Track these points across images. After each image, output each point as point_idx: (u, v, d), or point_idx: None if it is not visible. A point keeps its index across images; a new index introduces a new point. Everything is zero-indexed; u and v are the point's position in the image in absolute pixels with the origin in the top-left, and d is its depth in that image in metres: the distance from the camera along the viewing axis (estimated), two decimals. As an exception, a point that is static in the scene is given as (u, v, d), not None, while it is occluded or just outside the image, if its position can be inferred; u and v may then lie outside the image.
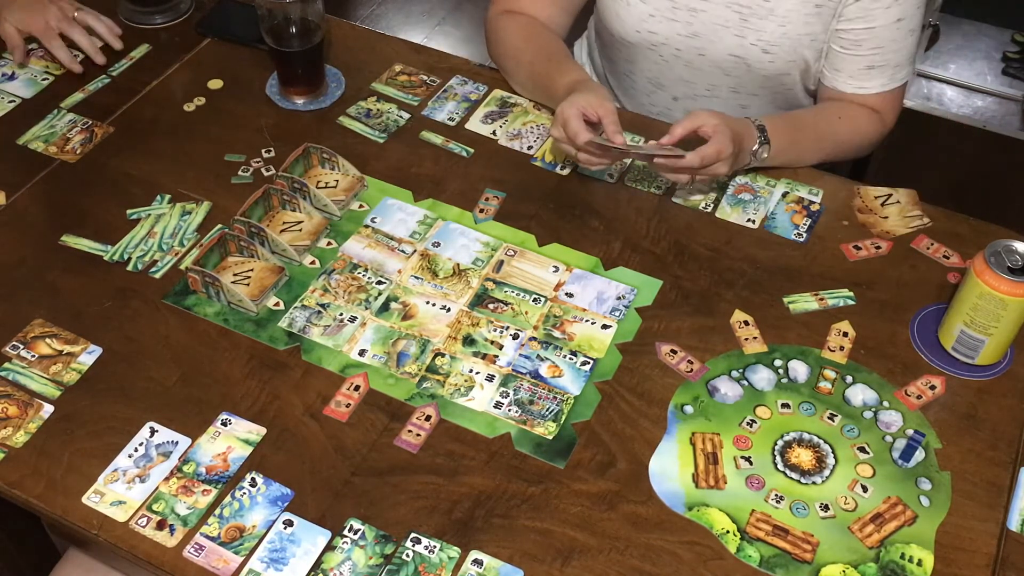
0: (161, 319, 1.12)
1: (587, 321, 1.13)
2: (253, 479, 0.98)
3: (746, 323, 1.13)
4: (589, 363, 1.08)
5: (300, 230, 1.20)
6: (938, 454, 1.01)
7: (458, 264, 1.18)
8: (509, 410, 1.04)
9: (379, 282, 1.16)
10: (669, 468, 1.00)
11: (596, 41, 1.53)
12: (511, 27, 1.38)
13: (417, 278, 1.16)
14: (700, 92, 1.40)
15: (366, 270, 1.17)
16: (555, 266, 1.18)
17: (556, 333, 1.11)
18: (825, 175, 1.31)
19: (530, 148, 1.33)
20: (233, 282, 1.13)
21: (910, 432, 1.02)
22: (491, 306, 1.14)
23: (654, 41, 1.35)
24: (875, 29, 1.26)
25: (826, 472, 1.00)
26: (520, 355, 1.09)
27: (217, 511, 0.96)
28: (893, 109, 1.35)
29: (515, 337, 1.11)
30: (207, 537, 0.94)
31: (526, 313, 1.13)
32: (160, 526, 0.95)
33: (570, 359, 1.09)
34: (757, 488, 0.99)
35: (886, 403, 1.06)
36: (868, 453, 1.02)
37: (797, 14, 1.27)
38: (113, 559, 1.17)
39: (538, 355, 1.09)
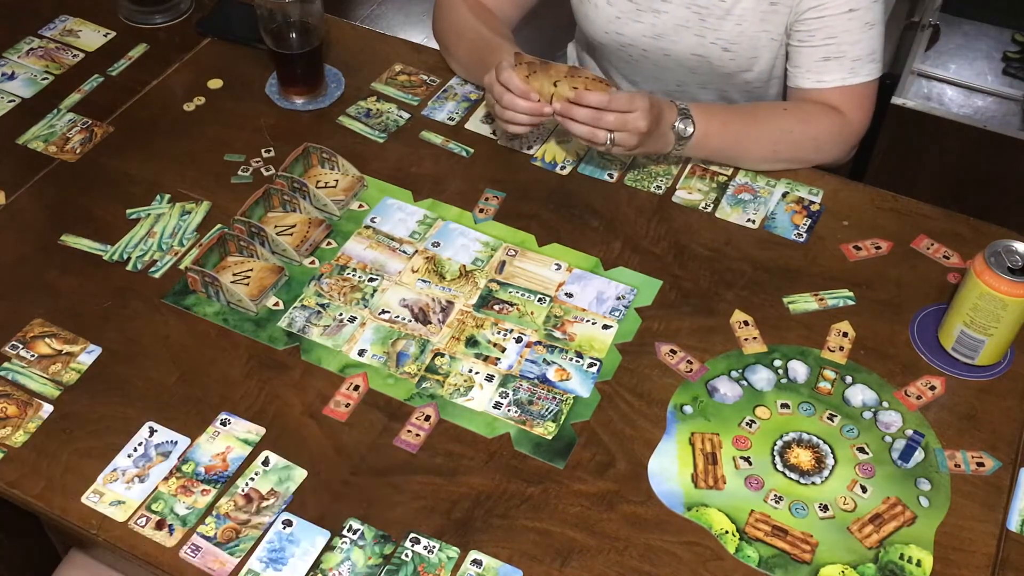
0: (160, 319, 1.12)
1: (588, 321, 1.12)
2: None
3: (746, 323, 1.13)
4: (596, 364, 1.08)
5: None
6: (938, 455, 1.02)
7: (464, 265, 1.18)
8: (508, 410, 1.04)
9: (371, 279, 1.16)
10: (668, 468, 1.00)
11: (582, 44, 1.55)
12: (461, 5, 1.40)
13: (424, 281, 1.16)
14: (671, 88, 1.43)
15: (355, 270, 1.17)
16: (556, 264, 1.18)
17: (557, 333, 1.11)
18: (825, 175, 1.31)
19: (530, 148, 1.33)
20: (232, 282, 1.13)
21: (909, 432, 1.02)
22: (496, 307, 1.14)
23: (621, 42, 1.38)
24: (825, 18, 1.26)
25: (825, 472, 1.00)
26: (527, 360, 1.09)
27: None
28: (859, 107, 1.30)
29: (518, 340, 1.10)
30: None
31: (531, 313, 1.13)
32: (159, 526, 0.95)
33: (576, 361, 1.09)
34: (756, 488, 0.99)
35: (886, 403, 1.06)
36: (867, 453, 1.01)
37: (753, 12, 1.29)
38: (116, 561, 1.17)
39: (544, 359, 1.09)
